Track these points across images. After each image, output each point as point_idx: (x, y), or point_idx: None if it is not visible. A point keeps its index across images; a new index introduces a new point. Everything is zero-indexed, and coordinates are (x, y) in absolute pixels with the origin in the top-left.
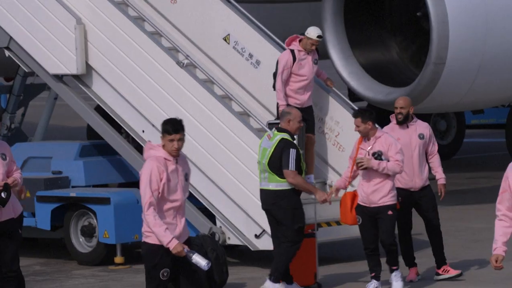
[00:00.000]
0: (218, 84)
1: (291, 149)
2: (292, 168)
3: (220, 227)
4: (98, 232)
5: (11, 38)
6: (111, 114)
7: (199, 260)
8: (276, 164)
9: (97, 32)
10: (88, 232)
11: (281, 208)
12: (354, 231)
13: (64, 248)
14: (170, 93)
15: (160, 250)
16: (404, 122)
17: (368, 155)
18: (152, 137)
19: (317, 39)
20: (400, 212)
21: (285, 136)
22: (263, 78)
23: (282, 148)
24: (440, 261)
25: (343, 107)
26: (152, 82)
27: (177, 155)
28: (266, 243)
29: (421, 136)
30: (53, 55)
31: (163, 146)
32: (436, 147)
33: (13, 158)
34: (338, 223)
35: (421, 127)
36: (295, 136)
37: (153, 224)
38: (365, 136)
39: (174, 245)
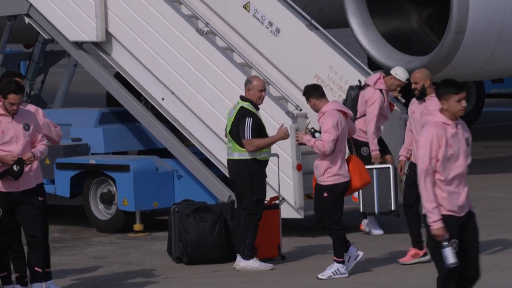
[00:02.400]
0: (238, 51)
1: (247, 118)
2: (248, 137)
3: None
4: (118, 200)
5: (31, 5)
6: (130, 82)
7: (448, 255)
8: (235, 132)
9: (117, 0)
10: (107, 199)
11: (242, 178)
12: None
13: (83, 215)
14: (190, 60)
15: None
16: (421, 97)
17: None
18: (171, 105)
19: (406, 82)
20: (407, 186)
21: (245, 105)
22: (283, 46)
23: (239, 117)
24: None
25: (362, 75)
26: (171, 49)
27: (456, 118)
28: (285, 211)
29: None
30: (73, 22)
31: (444, 109)
32: None
33: (40, 128)
34: None
35: (434, 104)
36: (259, 106)
37: (425, 199)
38: (315, 111)
39: (435, 228)
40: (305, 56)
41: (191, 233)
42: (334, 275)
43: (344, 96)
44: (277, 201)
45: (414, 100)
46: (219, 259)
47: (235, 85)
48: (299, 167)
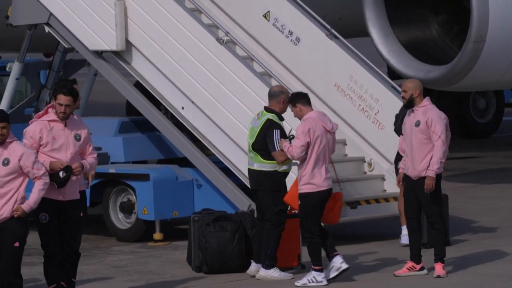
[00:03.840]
0: (258, 61)
1: (274, 130)
2: (277, 149)
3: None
4: (137, 209)
5: (51, 14)
6: (150, 91)
7: None
8: (260, 145)
9: (137, 8)
10: (127, 208)
11: (264, 189)
12: (393, 209)
13: (103, 224)
14: (210, 69)
15: None
16: (409, 106)
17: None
18: (191, 114)
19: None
20: (405, 199)
21: (271, 116)
22: (303, 55)
23: (266, 129)
24: (437, 256)
25: (382, 84)
26: (191, 58)
27: None
28: None
29: (416, 124)
30: (93, 31)
31: None
32: (435, 137)
33: (91, 141)
34: (377, 200)
35: (422, 114)
36: (283, 115)
37: None
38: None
39: None
40: (325, 65)
41: (211, 242)
42: (310, 282)
43: (363, 105)
44: (295, 211)
45: (408, 111)
46: (239, 268)
47: (255, 94)
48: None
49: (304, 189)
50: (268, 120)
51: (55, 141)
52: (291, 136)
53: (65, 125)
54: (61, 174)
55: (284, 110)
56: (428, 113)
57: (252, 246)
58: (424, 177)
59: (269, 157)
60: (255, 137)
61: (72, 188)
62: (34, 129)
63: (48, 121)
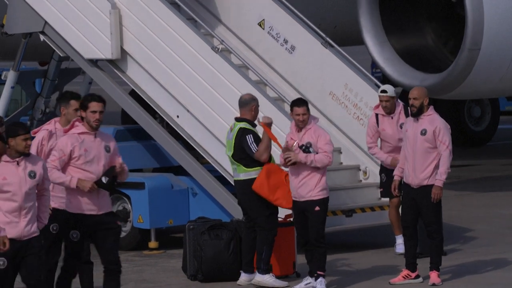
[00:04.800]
0: (253, 69)
1: (247, 136)
2: (255, 150)
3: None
4: (133, 217)
5: (46, 22)
6: (145, 99)
7: None
8: (239, 154)
9: (132, 17)
10: (123, 216)
11: (251, 197)
12: (388, 217)
13: None
14: (205, 78)
15: None
16: (418, 114)
17: (299, 146)
18: (186, 122)
19: (381, 94)
20: (403, 207)
21: (243, 125)
22: (298, 63)
23: (240, 137)
24: (433, 264)
25: (377, 93)
26: (186, 67)
27: None
28: None
29: (422, 132)
30: (88, 40)
31: None
32: (443, 147)
33: (118, 152)
34: (372, 208)
35: (428, 123)
36: (255, 122)
37: None
38: (302, 127)
39: None
40: (320, 73)
41: (206, 250)
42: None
43: (358, 114)
44: (291, 219)
45: (409, 119)
46: (234, 276)
47: None
48: None
49: (322, 194)
50: (240, 129)
51: (88, 154)
52: (303, 146)
53: (95, 137)
54: (103, 179)
55: (255, 117)
56: (436, 123)
57: (242, 255)
58: (426, 186)
59: (252, 164)
60: (232, 149)
61: (105, 200)
62: (65, 142)
63: (78, 134)
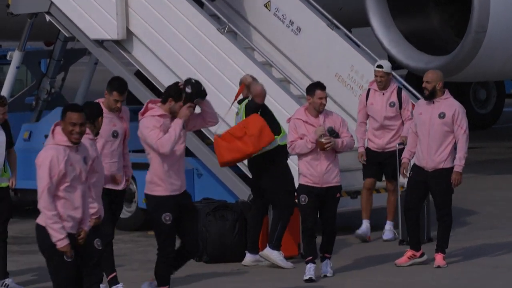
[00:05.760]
0: (259, 50)
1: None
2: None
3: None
4: (138, 198)
5: (51, 3)
6: (151, 80)
7: None
8: None
9: None
10: (128, 197)
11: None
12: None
13: None
14: (211, 59)
15: None
16: (430, 97)
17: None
18: None
19: (377, 69)
20: (409, 189)
21: (245, 102)
22: (304, 45)
23: (248, 110)
24: (439, 247)
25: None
26: (192, 48)
27: None
28: None
29: (441, 115)
30: (94, 20)
31: None
32: (461, 131)
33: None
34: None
35: (447, 106)
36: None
37: None
38: (318, 111)
39: None
40: (326, 55)
41: (211, 231)
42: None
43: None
44: (297, 200)
45: (421, 101)
46: (239, 257)
47: None
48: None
49: (340, 180)
50: (246, 105)
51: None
52: (330, 129)
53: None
54: (187, 89)
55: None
56: (454, 106)
57: (248, 236)
58: (441, 169)
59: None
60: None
61: (183, 178)
62: (156, 121)
63: (159, 115)
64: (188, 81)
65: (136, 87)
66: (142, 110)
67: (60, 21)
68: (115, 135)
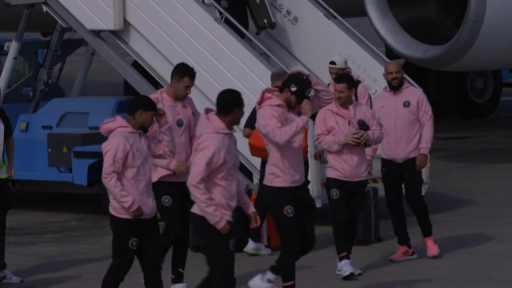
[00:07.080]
0: (255, 40)
1: None
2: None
3: (257, 183)
4: None
5: None
6: (148, 70)
7: None
8: None
9: None
10: None
11: None
12: None
13: (101, 204)
14: (208, 49)
15: None
16: (399, 87)
17: (349, 124)
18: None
19: (330, 65)
20: (386, 184)
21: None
22: (301, 35)
23: None
24: (426, 231)
25: (380, 64)
26: (189, 38)
27: None
28: None
29: (406, 104)
30: (91, 11)
31: None
32: (427, 116)
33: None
34: (374, 180)
35: (409, 94)
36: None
37: None
38: (342, 104)
39: None
40: (323, 45)
41: None
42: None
43: None
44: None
45: (380, 95)
46: (237, 246)
47: (253, 74)
48: (316, 156)
49: (367, 175)
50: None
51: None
52: (360, 122)
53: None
54: (292, 88)
55: None
56: (417, 93)
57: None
58: (413, 158)
59: None
60: None
61: (303, 169)
62: (275, 110)
63: (277, 105)
64: (290, 80)
65: (133, 78)
66: (259, 100)
67: (57, 12)
68: (179, 123)
